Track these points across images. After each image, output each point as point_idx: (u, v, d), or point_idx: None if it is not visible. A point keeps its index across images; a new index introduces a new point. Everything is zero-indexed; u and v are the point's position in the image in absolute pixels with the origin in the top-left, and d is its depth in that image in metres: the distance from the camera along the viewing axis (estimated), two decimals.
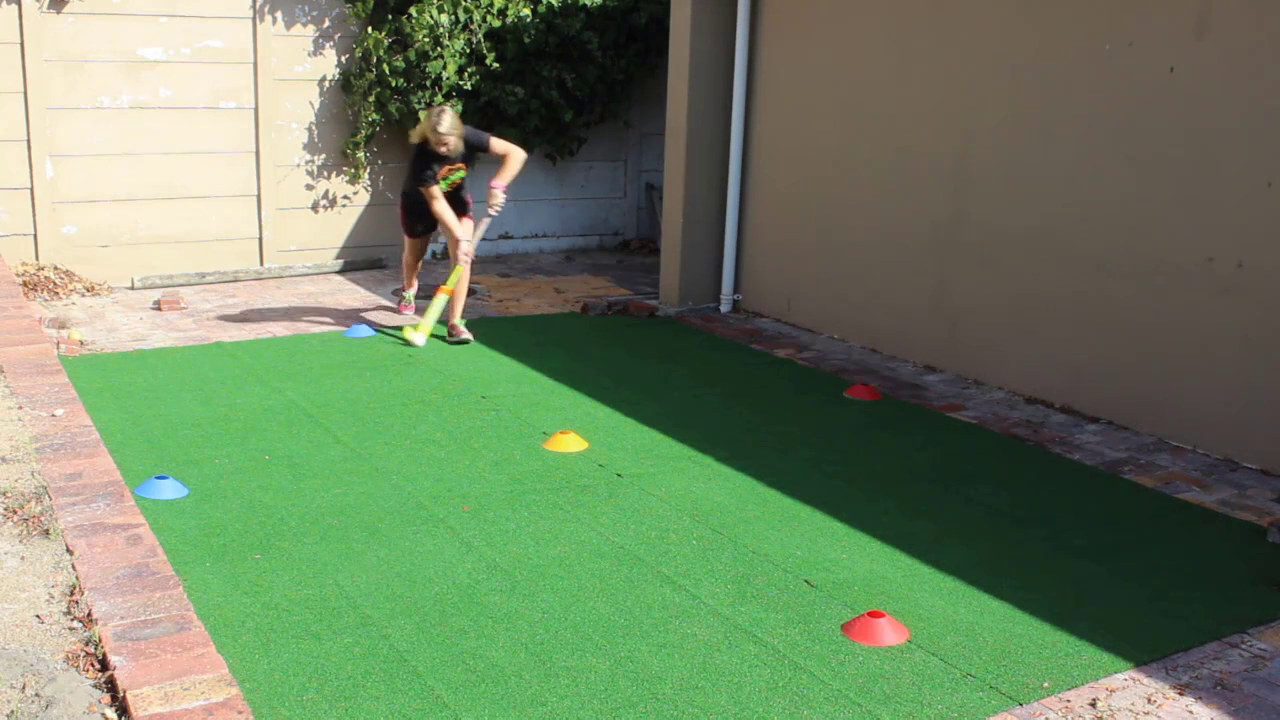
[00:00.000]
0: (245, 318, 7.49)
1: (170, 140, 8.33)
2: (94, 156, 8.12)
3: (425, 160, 6.88)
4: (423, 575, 3.92)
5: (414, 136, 6.93)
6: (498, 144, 7.05)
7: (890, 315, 6.94)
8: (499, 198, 7.00)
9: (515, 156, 7.03)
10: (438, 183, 6.92)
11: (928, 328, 6.70)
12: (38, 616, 3.26)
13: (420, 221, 7.32)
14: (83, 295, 7.90)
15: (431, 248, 9.55)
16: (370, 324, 7.32)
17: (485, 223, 7.27)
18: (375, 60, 8.60)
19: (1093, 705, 3.27)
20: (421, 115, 8.71)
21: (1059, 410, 5.94)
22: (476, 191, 7.88)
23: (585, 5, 9.13)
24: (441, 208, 6.95)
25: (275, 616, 3.60)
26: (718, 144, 7.86)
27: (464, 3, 8.76)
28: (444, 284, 7.01)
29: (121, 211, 8.28)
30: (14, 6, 7.67)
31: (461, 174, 7.08)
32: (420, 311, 7.52)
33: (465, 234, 7.02)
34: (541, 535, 4.28)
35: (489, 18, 8.86)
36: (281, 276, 8.75)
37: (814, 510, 4.58)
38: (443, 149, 6.80)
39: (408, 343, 6.83)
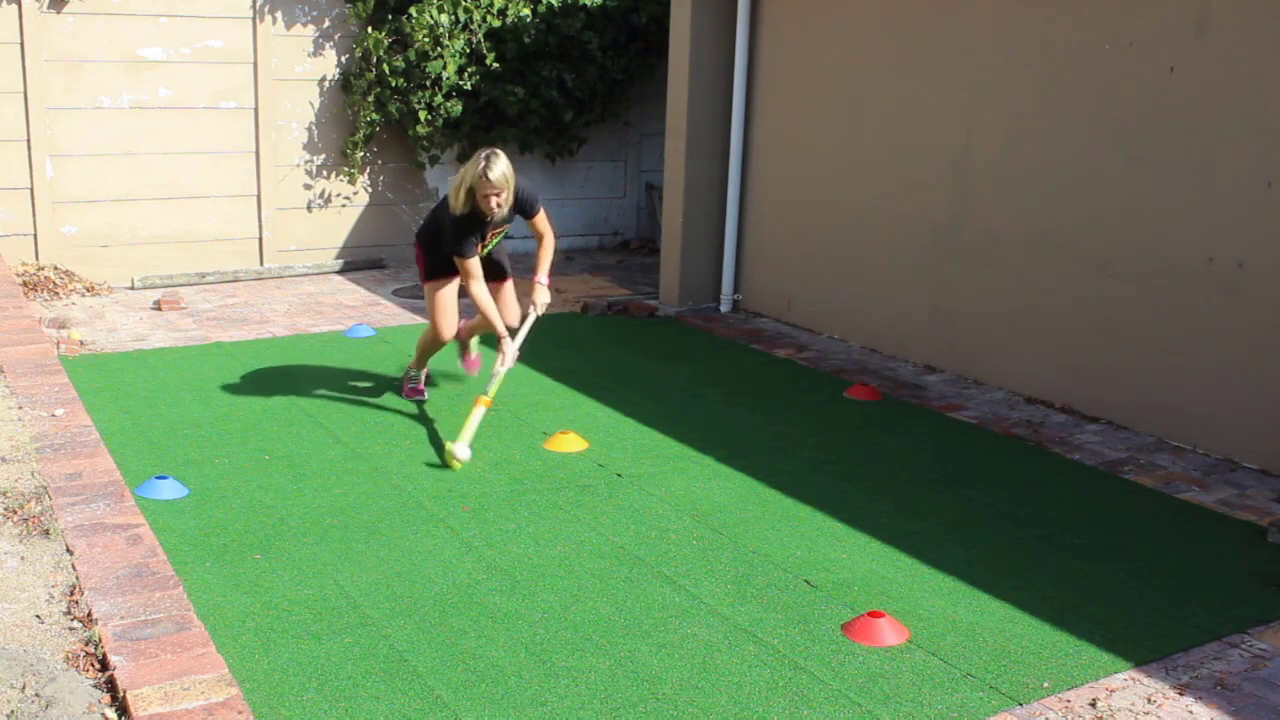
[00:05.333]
0: (245, 318, 7.49)
1: (170, 140, 8.33)
2: (94, 156, 8.12)
3: (465, 224, 5.29)
4: (423, 575, 3.92)
5: (458, 192, 5.24)
6: (542, 217, 5.57)
7: (890, 315, 6.94)
8: (544, 295, 5.57)
9: (551, 238, 5.64)
10: (478, 254, 5.40)
11: (928, 328, 6.70)
12: (38, 616, 3.25)
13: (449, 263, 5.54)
14: (83, 295, 7.90)
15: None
16: (370, 324, 7.33)
17: (532, 320, 5.64)
18: (375, 60, 8.60)
19: (1093, 705, 3.27)
20: (422, 115, 8.73)
21: (1059, 410, 5.94)
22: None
23: (585, 5, 9.12)
24: (481, 291, 5.38)
25: (275, 616, 3.59)
26: (718, 144, 7.86)
27: (464, 3, 8.75)
28: (485, 394, 5.31)
29: (121, 211, 8.28)
30: (14, 6, 7.67)
31: (501, 237, 5.61)
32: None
33: (507, 333, 5.50)
34: (541, 535, 4.28)
35: (489, 18, 8.85)
36: (281, 276, 8.75)
37: (814, 510, 4.58)
38: (494, 205, 5.20)
39: (452, 460, 4.98)
